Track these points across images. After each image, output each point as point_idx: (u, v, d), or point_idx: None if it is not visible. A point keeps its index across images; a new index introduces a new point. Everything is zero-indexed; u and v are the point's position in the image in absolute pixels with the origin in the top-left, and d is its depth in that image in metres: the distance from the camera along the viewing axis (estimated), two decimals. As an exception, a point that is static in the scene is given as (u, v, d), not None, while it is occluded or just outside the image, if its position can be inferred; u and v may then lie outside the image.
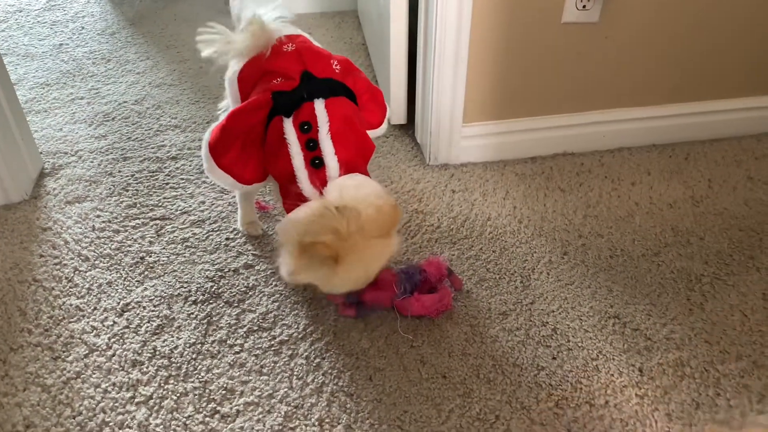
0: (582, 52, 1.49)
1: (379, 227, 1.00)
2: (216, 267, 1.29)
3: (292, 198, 1.07)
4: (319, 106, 1.10)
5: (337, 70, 1.17)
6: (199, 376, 1.08)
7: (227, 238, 1.36)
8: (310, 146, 1.08)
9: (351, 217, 0.96)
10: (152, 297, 1.22)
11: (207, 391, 1.06)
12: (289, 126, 1.09)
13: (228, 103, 1.28)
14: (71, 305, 1.21)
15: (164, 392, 1.06)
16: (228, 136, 1.15)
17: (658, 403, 1.04)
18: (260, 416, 1.02)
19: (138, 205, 1.44)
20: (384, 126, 1.29)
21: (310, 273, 1.01)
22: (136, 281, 1.26)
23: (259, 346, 1.13)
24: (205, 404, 1.04)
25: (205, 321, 1.18)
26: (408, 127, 1.70)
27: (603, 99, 1.58)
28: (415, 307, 1.15)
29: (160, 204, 1.45)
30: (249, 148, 1.15)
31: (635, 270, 1.29)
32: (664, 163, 1.59)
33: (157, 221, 1.40)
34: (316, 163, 1.07)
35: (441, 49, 1.42)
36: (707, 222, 1.41)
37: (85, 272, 1.28)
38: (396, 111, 1.67)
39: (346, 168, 1.08)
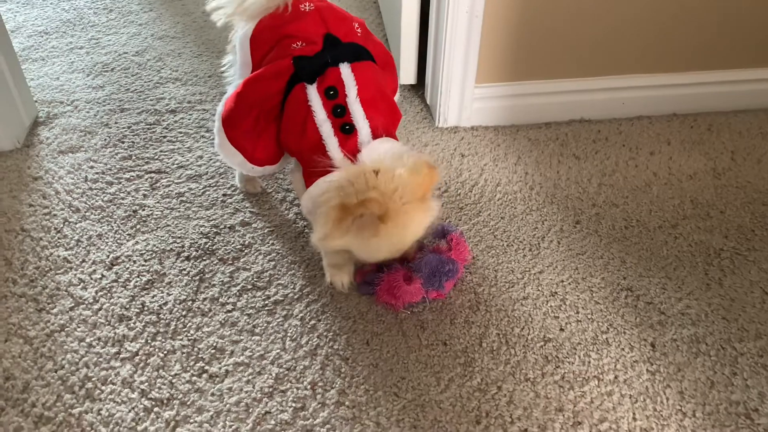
0: (604, 11, 1.41)
1: (413, 190, 0.94)
2: (211, 223, 1.23)
3: (319, 172, 1.00)
4: (345, 70, 1.04)
5: (359, 34, 1.12)
6: (188, 334, 1.03)
7: (224, 194, 1.30)
8: (338, 112, 1.02)
9: (387, 179, 0.92)
10: (143, 251, 1.17)
11: (195, 349, 1.01)
12: (313, 92, 1.04)
13: (233, 60, 1.20)
14: (59, 257, 1.16)
15: (151, 349, 1.01)
16: (243, 104, 1.08)
17: (670, 380, 0.98)
18: (250, 377, 0.97)
19: (133, 158, 1.39)
20: (396, 96, 1.23)
21: (349, 236, 0.95)
22: (128, 235, 1.21)
23: (253, 305, 1.08)
24: (192, 363, 0.99)
25: (197, 278, 1.13)
26: (418, 87, 1.63)
27: (624, 64, 1.50)
28: (432, 296, 1.08)
29: (156, 157, 1.39)
30: (262, 122, 1.09)
31: (651, 242, 1.22)
32: (685, 133, 1.51)
33: (153, 174, 1.34)
34: (346, 129, 1.01)
35: (455, 3, 1.34)
36: (729, 195, 1.34)
37: (75, 224, 1.23)
38: (406, 70, 1.60)
39: (378, 134, 1.02)
